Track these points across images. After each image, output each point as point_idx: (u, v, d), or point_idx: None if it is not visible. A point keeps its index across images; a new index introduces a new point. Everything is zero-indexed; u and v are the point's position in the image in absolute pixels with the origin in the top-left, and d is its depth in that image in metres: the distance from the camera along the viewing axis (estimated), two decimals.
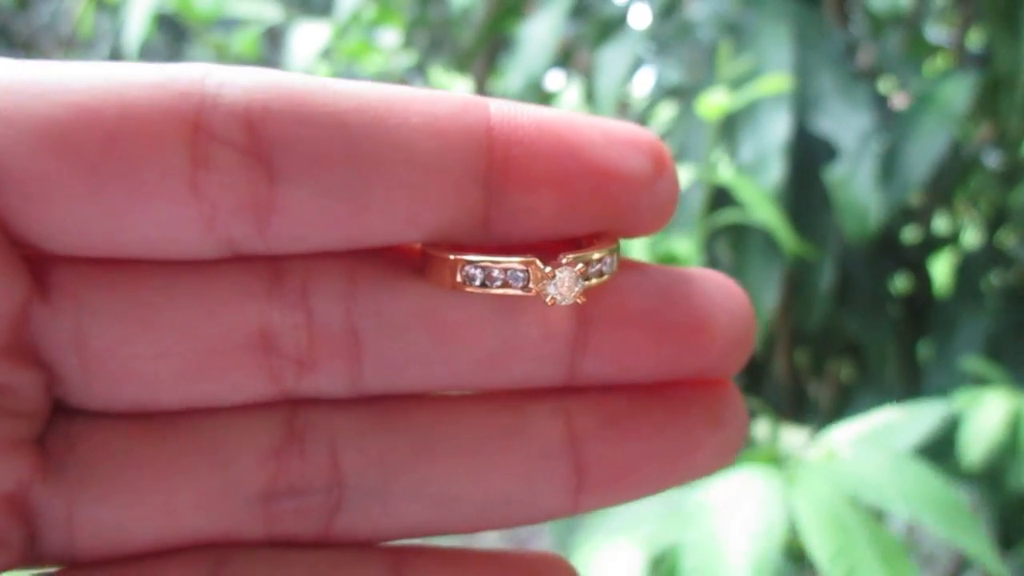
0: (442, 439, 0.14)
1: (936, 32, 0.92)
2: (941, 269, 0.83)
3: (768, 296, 0.63)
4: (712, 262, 0.68)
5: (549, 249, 0.14)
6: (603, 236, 0.14)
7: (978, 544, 0.31)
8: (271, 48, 1.05)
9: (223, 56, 0.84)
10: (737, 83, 0.57)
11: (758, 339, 0.64)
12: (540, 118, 0.14)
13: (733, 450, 0.16)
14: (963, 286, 0.75)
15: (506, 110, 0.14)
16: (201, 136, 0.12)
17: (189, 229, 0.13)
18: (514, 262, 0.14)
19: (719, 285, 0.15)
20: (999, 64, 0.68)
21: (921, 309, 0.77)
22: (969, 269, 0.76)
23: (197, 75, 0.13)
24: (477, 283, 0.14)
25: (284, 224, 0.13)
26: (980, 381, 0.60)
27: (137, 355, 0.14)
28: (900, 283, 0.80)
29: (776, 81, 0.52)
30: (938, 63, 0.83)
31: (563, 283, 0.14)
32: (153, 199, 0.12)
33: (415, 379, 0.14)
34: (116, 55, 0.96)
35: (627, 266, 0.15)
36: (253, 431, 0.14)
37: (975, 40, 0.80)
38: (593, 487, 0.15)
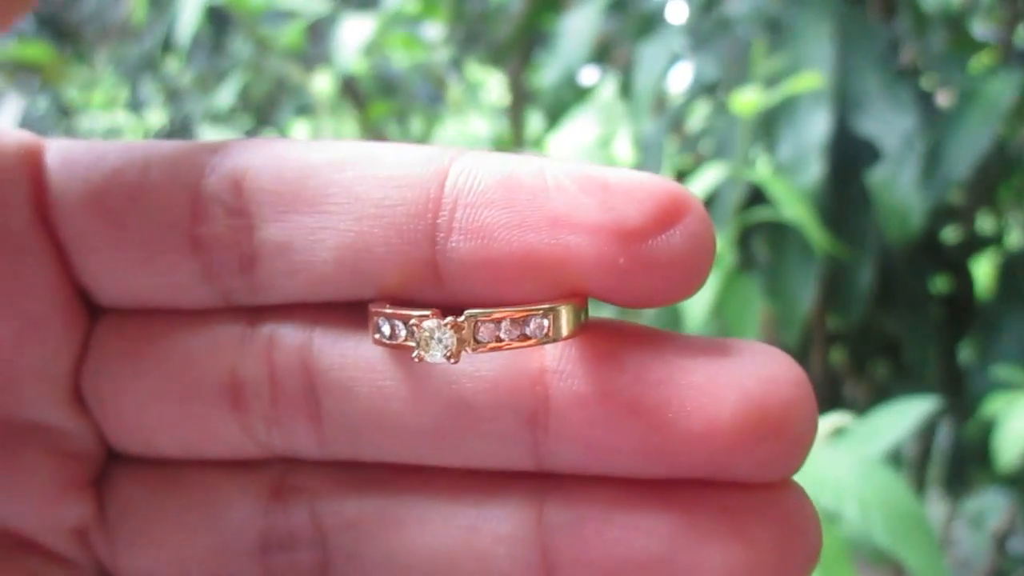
0: (412, 511, 0.14)
1: (982, 28, 0.90)
2: (984, 270, 0.82)
3: (805, 295, 0.63)
4: (749, 261, 0.68)
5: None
6: (575, 298, 0.13)
7: (926, 560, 0.30)
8: (312, 42, 1.07)
9: (268, 48, 0.85)
10: (775, 80, 0.57)
11: (794, 336, 0.64)
12: (504, 166, 0.12)
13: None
14: (1006, 287, 0.74)
15: (472, 160, 0.13)
16: (201, 196, 0.14)
17: (190, 278, 0.14)
18: (410, 314, 0.13)
19: (745, 358, 0.12)
20: None
21: (962, 310, 0.76)
22: (1012, 270, 0.75)
23: (215, 145, 0.14)
24: (387, 336, 0.13)
25: (262, 273, 0.14)
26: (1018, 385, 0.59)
27: (130, 400, 0.15)
28: (941, 284, 0.79)
29: (810, 78, 0.52)
30: (984, 60, 0.81)
31: (431, 338, 0.12)
32: (161, 249, 0.14)
33: (372, 447, 0.14)
34: (166, 46, 0.98)
35: (607, 330, 0.13)
36: (243, 489, 0.15)
37: (1023, 36, 0.78)
38: None
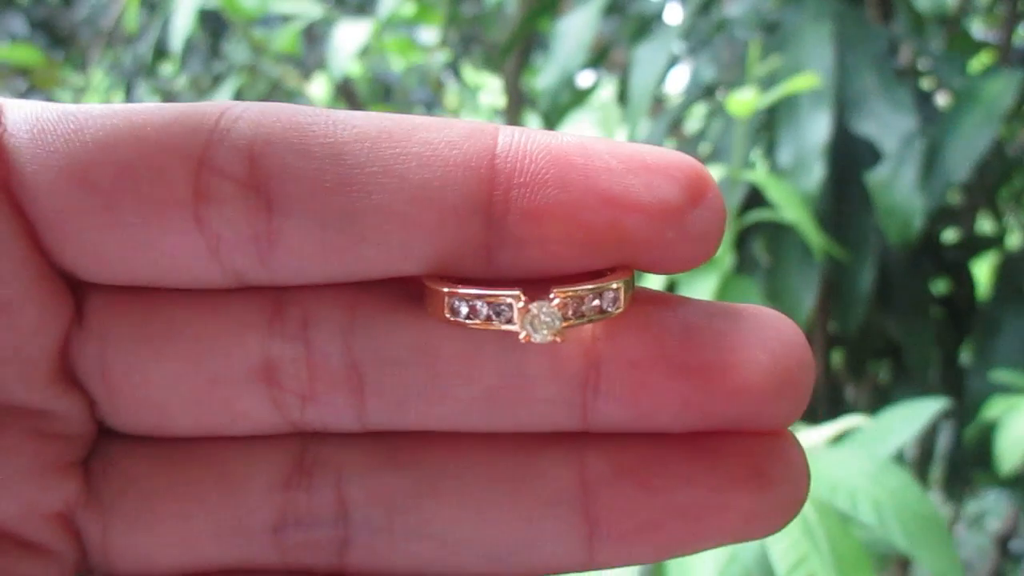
0: (447, 479, 0.14)
1: (980, 29, 0.90)
2: (983, 271, 0.82)
3: (805, 297, 0.63)
4: (748, 263, 0.67)
5: (568, 283, 0.13)
6: (622, 270, 0.13)
7: (942, 560, 0.30)
8: (308, 44, 1.06)
9: (263, 52, 0.85)
10: (773, 82, 0.57)
11: None
12: (551, 144, 0.13)
13: (782, 513, 0.14)
14: (1006, 288, 0.74)
15: (515, 137, 0.13)
16: (205, 169, 0.13)
17: (195, 259, 0.13)
18: (499, 295, 0.13)
19: (764, 323, 0.13)
20: None
21: (962, 312, 0.76)
22: (1012, 271, 0.74)
23: (215, 111, 0.13)
24: (463, 316, 0.13)
25: (285, 255, 0.13)
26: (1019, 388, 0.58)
27: (149, 382, 0.14)
28: (941, 285, 0.78)
29: (805, 79, 0.51)
30: (983, 60, 0.81)
31: (538, 319, 0.13)
32: (160, 229, 0.13)
33: (417, 416, 0.14)
34: (159, 50, 0.98)
35: (648, 299, 0.14)
36: (263, 463, 0.14)
37: (1022, 37, 0.78)
38: (607, 540, 0.14)
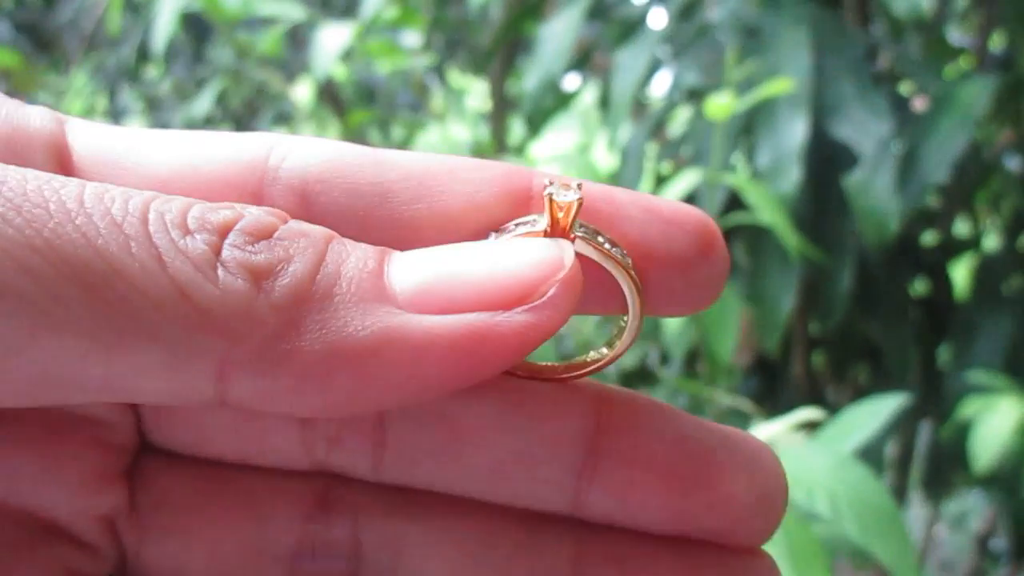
0: (453, 537, 0.15)
1: (957, 35, 0.91)
2: (961, 273, 0.83)
3: (785, 299, 0.63)
4: (729, 265, 0.68)
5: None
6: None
7: (896, 552, 0.31)
8: (292, 48, 1.06)
9: (246, 56, 0.85)
10: (752, 86, 0.57)
11: (775, 340, 0.64)
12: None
13: None
14: (983, 290, 0.75)
15: (547, 182, 0.14)
16: (263, 203, 0.14)
17: None
18: (525, 219, 0.14)
19: (748, 447, 0.15)
20: (1021, 66, 0.67)
21: (941, 313, 0.77)
22: (989, 273, 0.75)
23: (263, 149, 0.14)
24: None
25: None
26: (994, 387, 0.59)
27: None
28: (919, 287, 0.79)
29: (781, 83, 0.52)
30: (960, 65, 0.82)
31: (559, 190, 0.14)
32: None
33: (426, 476, 0.15)
34: (142, 53, 0.97)
35: (654, 409, 0.15)
36: (290, 496, 0.15)
37: (997, 42, 0.79)
38: None
